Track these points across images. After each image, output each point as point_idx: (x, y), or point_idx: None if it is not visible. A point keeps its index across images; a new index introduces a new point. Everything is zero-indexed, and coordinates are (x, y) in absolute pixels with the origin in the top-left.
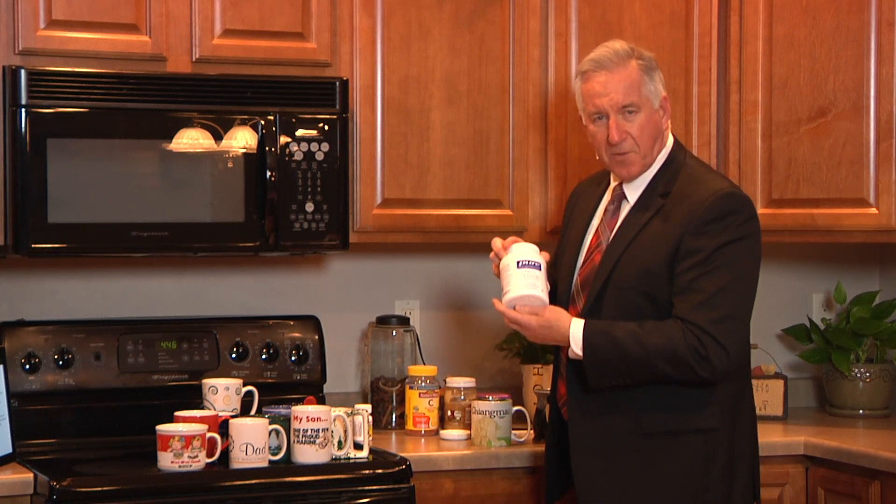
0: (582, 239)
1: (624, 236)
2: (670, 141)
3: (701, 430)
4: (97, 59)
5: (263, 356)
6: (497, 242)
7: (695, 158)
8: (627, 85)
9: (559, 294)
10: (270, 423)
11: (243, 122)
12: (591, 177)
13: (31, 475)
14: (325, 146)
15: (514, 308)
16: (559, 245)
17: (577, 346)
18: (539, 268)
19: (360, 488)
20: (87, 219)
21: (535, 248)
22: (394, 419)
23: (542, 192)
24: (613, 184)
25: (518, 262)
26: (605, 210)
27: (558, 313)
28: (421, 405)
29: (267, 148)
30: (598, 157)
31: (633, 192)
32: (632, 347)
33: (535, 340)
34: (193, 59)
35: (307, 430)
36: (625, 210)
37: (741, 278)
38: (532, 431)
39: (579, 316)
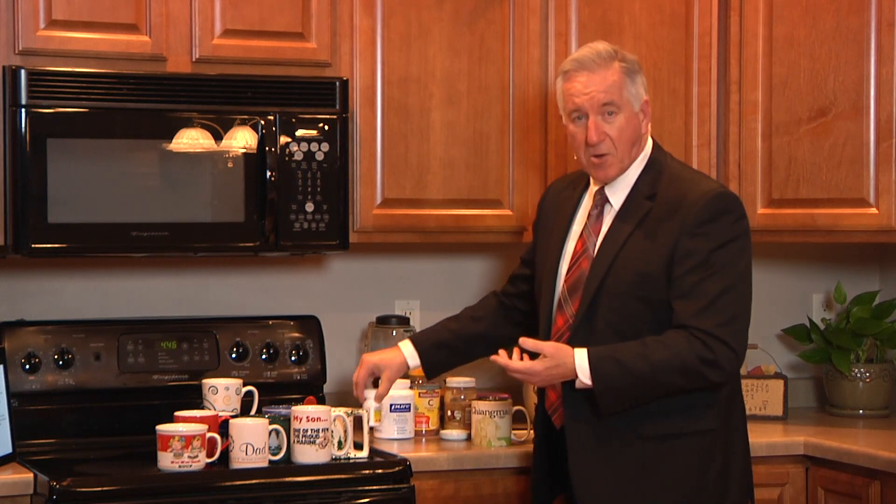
0: (562, 245)
1: (614, 241)
2: (649, 144)
3: (699, 432)
4: (97, 59)
5: (263, 356)
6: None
7: (675, 161)
8: (608, 85)
9: (543, 304)
10: (270, 423)
11: (243, 122)
12: (565, 178)
13: (31, 475)
14: (325, 146)
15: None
16: (532, 250)
17: (584, 377)
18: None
19: (360, 488)
20: (87, 219)
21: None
22: None
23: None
24: (594, 188)
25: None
26: (589, 215)
27: (560, 349)
28: (421, 405)
29: (267, 148)
30: (576, 158)
31: (617, 195)
32: (640, 368)
33: (543, 384)
34: (193, 59)
35: (307, 430)
36: (609, 214)
37: (741, 278)
38: (532, 431)
39: (572, 324)
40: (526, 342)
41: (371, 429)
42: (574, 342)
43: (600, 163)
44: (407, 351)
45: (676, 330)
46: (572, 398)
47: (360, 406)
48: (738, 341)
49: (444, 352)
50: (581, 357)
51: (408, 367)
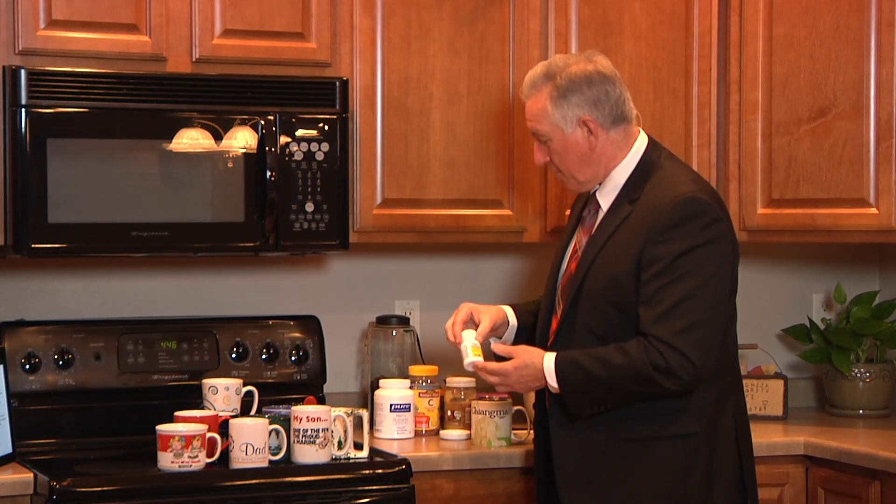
0: (566, 247)
1: (595, 244)
2: (642, 143)
3: (679, 436)
4: (97, 59)
5: (263, 356)
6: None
7: (671, 159)
8: (534, 114)
9: (544, 305)
10: (270, 423)
11: (243, 122)
12: None
13: (31, 475)
14: (325, 146)
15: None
16: None
17: (552, 380)
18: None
19: (360, 488)
20: (87, 219)
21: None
22: None
23: (542, 192)
24: (593, 190)
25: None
26: (582, 217)
27: (530, 351)
28: (421, 405)
29: (267, 148)
30: None
31: (606, 198)
32: (598, 372)
33: (516, 388)
34: (193, 59)
35: (307, 430)
36: (599, 217)
37: (707, 284)
38: (532, 431)
39: (557, 326)
40: (497, 347)
41: (475, 362)
42: (557, 345)
43: (561, 179)
44: (504, 308)
45: (637, 337)
46: (557, 402)
47: (363, 406)
48: (694, 349)
49: (534, 319)
50: (549, 360)
51: (507, 319)
